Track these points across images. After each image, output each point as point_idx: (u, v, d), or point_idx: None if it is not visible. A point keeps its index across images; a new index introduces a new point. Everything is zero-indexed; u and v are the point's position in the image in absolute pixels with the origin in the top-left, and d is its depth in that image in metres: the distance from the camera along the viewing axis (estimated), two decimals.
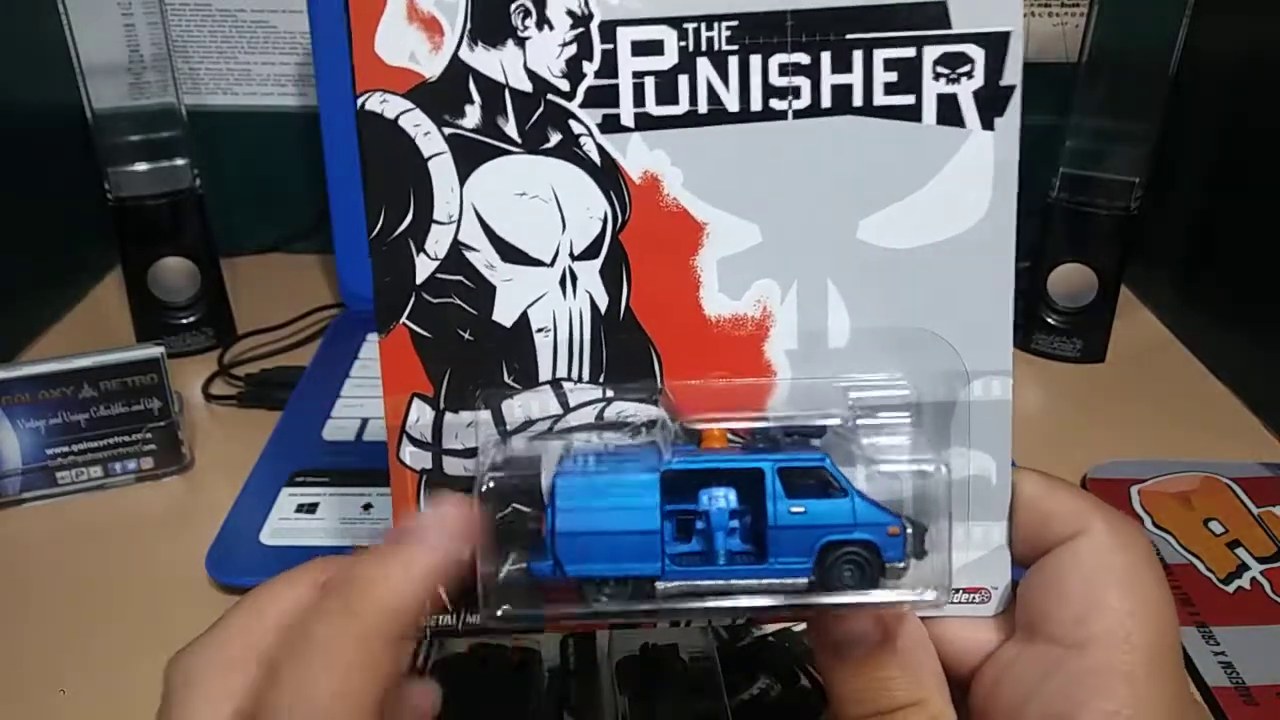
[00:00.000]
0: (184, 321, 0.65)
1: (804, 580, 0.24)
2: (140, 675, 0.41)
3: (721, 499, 0.24)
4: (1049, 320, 0.66)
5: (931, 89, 0.25)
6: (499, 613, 0.25)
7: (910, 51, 0.25)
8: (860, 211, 0.25)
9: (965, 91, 0.25)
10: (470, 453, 0.27)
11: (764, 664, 0.38)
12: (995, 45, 0.25)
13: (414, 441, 0.26)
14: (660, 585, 0.24)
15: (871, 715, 0.24)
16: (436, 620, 0.27)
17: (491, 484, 0.25)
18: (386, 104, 0.25)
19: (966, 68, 0.25)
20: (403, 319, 0.26)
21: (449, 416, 0.26)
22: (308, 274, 0.76)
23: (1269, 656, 0.42)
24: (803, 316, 0.26)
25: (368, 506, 0.48)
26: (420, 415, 0.26)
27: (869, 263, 0.26)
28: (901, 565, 0.24)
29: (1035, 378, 0.65)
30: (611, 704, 0.36)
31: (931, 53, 0.25)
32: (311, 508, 0.48)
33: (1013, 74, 0.25)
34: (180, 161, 0.62)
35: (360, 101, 0.25)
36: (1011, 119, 0.25)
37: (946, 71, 0.25)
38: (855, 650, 0.24)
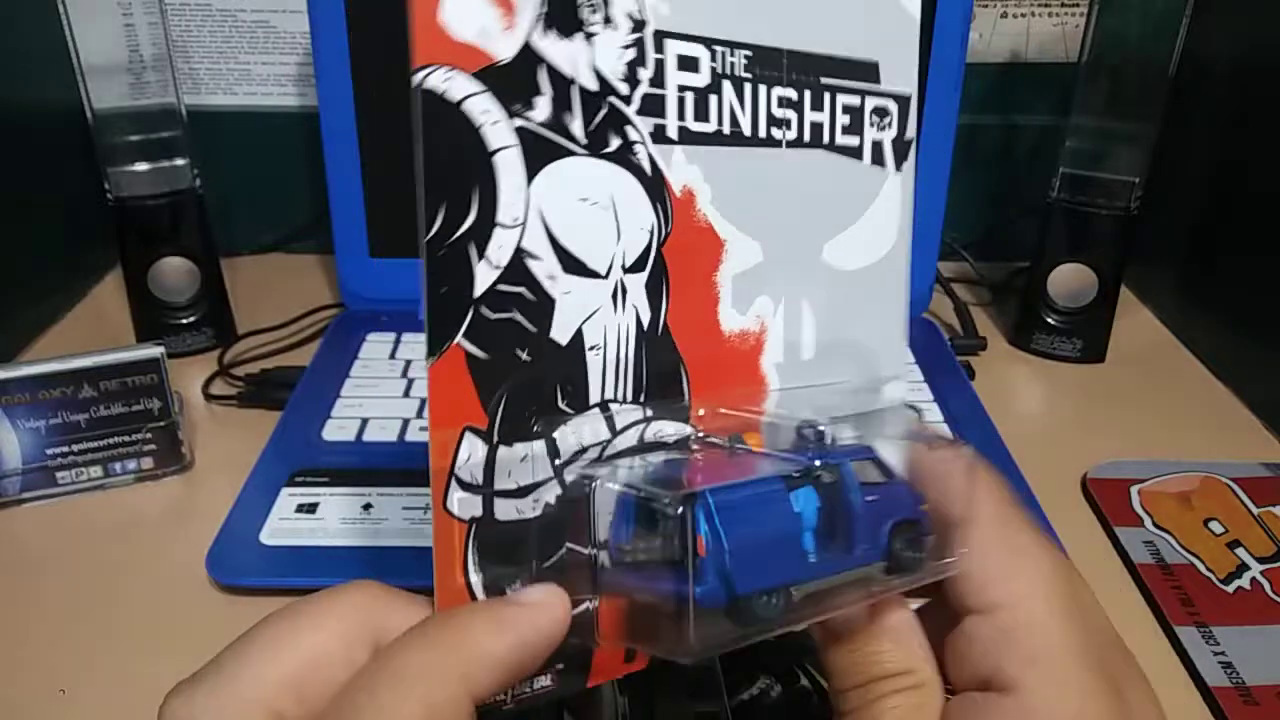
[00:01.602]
0: (184, 321, 0.65)
1: (881, 564, 0.25)
2: (140, 675, 0.41)
3: (808, 499, 0.25)
4: (1049, 320, 0.66)
5: (869, 134, 0.29)
6: (696, 647, 0.22)
7: (857, 100, 0.28)
8: (826, 235, 0.28)
9: (887, 139, 0.29)
10: (523, 492, 0.24)
11: (764, 664, 0.38)
12: (904, 104, 0.29)
13: (463, 485, 0.23)
14: (795, 591, 0.24)
15: (865, 684, 0.26)
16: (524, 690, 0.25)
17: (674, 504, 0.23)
18: (451, 83, 0.22)
19: (888, 119, 0.29)
20: (458, 338, 0.23)
21: (501, 451, 0.24)
22: (308, 274, 0.76)
23: (1269, 656, 0.42)
24: (787, 331, 0.28)
25: (368, 506, 0.48)
26: (472, 452, 0.23)
27: (829, 282, 0.28)
28: (931, 536, 0.26)
29: (1035, 378, 0.66)
30: (611, 704, 0.36)
31: (870, 103, 0.29)
32: (311, 508, 0.48)
33: (912, 129, 0.30)
34: (180, 161, 0.62)
35: (419, 78, 0.21)
36: (910, 166, 0.30)
37: (877, 120, 0.29)
38: (847, 625, 0.26)
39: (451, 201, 0.22)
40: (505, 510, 0.24)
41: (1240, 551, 0.48)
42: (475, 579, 0.24)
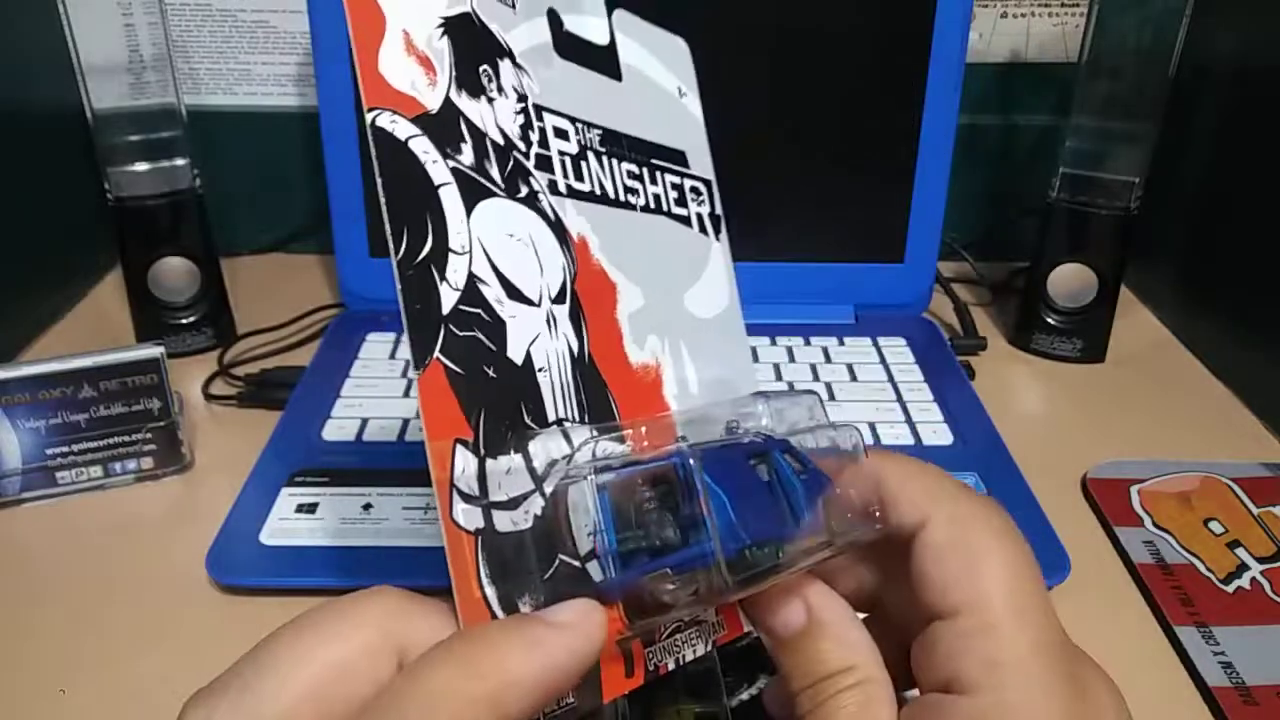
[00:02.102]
0: (184, 321, 0.65)
1: (823, 536, 0.26)
2: (140, 675, 0.41)
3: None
4: (1049, 320, 0.66)
5: (692, 207, 0.33)
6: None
7: (679, 179, 0.33)
8: (683, 287, 0.32)
9: (705, 213, 0.33)
10: (514, 504, 0.25)
11: (764, 664, 0.38)
12: (709, 186, 0.34)
13: (464, 497, 0.24)
14: (780, 551, 0.25)
15: (812, 684, 0.26)
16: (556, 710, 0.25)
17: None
18: (396, 125, 0.24)
19: (702, 197, 0.33)
20: (436, 353, 0.24)
21: (490, 463, 0.25)
22: (308, 274, 0.76)
23: (1269, 656, 0.42)
24: (675, 367, 0.31)
25: (368, 506, 0.48)
26: (465, 465, 0.24)
27: (694, 327, 0.32)
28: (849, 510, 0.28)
29: (1035, 378, 0.66)
30: (611, 704, 0.36)
31: (687, 183, 0.33)
32: (311, 508, 0.48)
33: (719, 208, 0.34)
34: (180, 161, 0.62)
35: (371, 117, 0.24)
36: (724, 238, 0.34)
37: (695, 197, 0.33)
38: (788, 629, 0.27)
39: (411, 227, 0.25)
40: (503, 522, 0.25)
41: (1240, 551, 0.48)
42: (490, 592, 0.24)
